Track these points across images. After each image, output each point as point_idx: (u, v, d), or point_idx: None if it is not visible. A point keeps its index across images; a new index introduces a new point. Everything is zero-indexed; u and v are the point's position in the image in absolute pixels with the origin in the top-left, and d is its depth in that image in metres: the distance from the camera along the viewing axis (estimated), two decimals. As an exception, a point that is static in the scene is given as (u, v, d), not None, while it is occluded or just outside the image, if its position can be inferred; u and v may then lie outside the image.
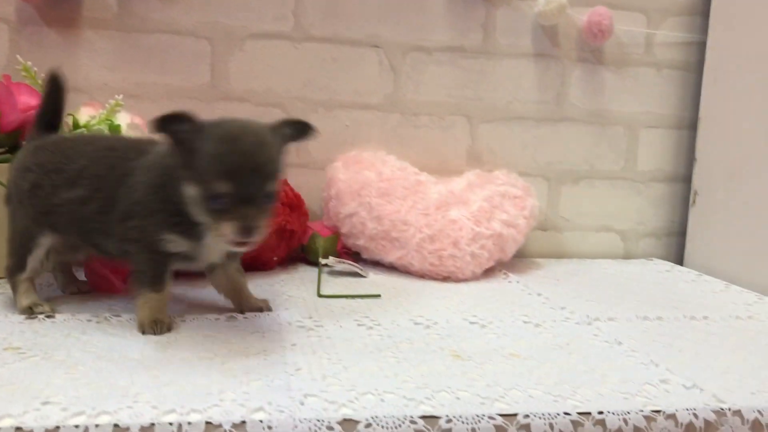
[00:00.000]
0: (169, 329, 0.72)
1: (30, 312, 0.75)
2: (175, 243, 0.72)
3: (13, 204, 0.79)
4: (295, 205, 1.03)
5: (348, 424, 0.54)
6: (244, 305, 0.80)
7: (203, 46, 1.10)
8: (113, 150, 0.76)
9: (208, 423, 0.52)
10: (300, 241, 1.05)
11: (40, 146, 0.78)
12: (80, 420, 0.51)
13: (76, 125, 0.97)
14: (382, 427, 0.54)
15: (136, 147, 0.75)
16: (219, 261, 0.78)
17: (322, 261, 1.01)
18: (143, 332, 0.71)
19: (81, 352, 0.65)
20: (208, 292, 0.84)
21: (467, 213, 1.02)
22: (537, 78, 1.21)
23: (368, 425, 0.54)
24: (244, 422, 0.52)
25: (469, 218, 1.02)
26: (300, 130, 0.73)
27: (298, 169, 1.15)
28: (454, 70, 1.18)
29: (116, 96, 0.97)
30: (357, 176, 1.07)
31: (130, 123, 0.98)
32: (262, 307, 0.81)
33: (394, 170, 1.08)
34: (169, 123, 0.67)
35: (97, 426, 0.50)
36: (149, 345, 0.68)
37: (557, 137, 1.22)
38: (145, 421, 0.51)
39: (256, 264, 0.98)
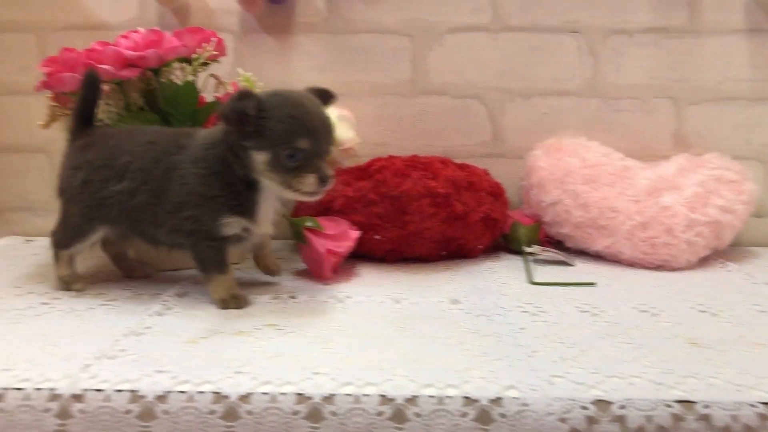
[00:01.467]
0: (247, 303, 0.79)
1: (65, 285, 0.84)
2: (231, 225, 0.78)
3: (65, 198, 0.85)
4: (497, 193, 1.04)
5: (601, 404, 0.54)
6: (261, 264, 0.88)
7: (404, 43, 1.14)
8: (154, 144, 0.81)
9: (465, 398, 0.55)
10: (502, 230, 1.06)
11: (86, 144, 0.84)
12: (350, 389, 0.55)
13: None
14: (637, 409, 0.54)
15: (175, 141, 0.81)
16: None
17: (527, 249, 1.02)
18: (225, 308, 0.77)
19: (329, 330, 0.70)
20: (432, 279, 0.88)
21: (681, 199, 0.98)
22: (750, 55, 1.13)
23: (622, 407, 0.54)
24: (500, 398, 0.55)
25: (683, 204, 0.97)
26: (323, 96, 0.81)
27: (495, 159, 1.16)
28: (657, 51, 1.13)
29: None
30: (559, 163, 1.06)
31: (340, 115, 1.04)
32: (274, 270, 0.88)
33: (598, 156, 1.06)
34: (239, 100, 0.73)
35: (366, 395, 0.55)
36: (386, 325, 0.72)
37: (773, 117, 1.14)
38: (408, 393, 0.55)
39: (461, 252, 1.01)
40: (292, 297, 0.82)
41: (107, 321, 0.72)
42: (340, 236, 0.91)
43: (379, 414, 0.54)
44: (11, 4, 1.13)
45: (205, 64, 0.96)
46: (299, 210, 1.03)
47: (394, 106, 1.15)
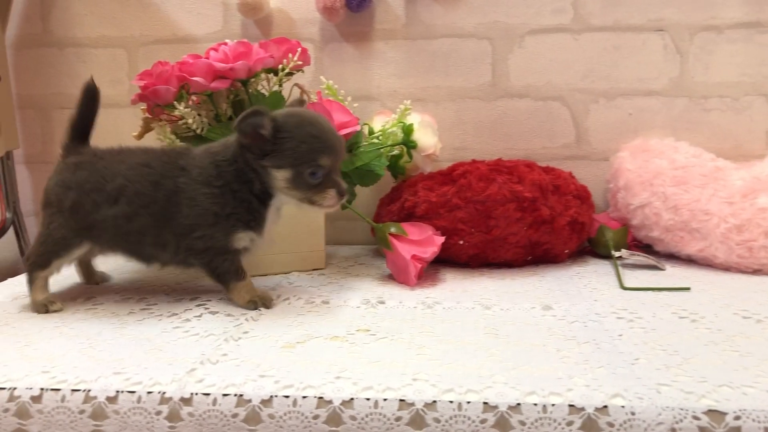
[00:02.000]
0: (271, 300, 0.82)
1: (44, 308, 0.80)
2: (243, 239, 0.80)
3: (51, 211, 0.82)
4: (583, 197, 1.02)
5: (715, 415, 0.52)
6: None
7: (484, 46, 1.13)
8: (149, 167, 0.80)
9: (571, 406, 0.54)
10: (588, 234, 1.04)
11: (77, 164, 0.82)
12: (452, 396, 0.55)
13: (371, 132, 1.06)
14: (754, 420, 0.52)
15: (173, 163, 0.81)
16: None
17: (615, 254, 0.99)
18: (255, 308, 0.80)
19: (421, 335, 0.70)
20: (519, 284, 0.87)
21: (779, 200, 0.94)
22: None
23: (737, 417, 0.52)
24: (605, 407, 0.53)
25: (782, 206, 0.93)
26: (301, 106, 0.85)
27: (578, 161, 1.14)
28: (749, 47, 1.09)
29: (405, 101, 1.04)
30: (647, 165, 1.03)
31: (421, 121, 1.04)
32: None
33: (688, 157, 1.03)
34: (253, 116, 0.75)
35: (468, 402, 0.54)
36: (479, 331, 0.71)
37: None
38: (511, 400, 0.54)
39: (547, 257, 0.99)
40: (381, 302, 0.82)
41: (205, 326, 0.74)
42: (425, 242, 0.91)
43: (483, 422, 0.54)
44: (102, 20, 1.18)
45: (290, 74, 0.98)
46: (381, 216, 1.04)
47: (474, 110, 1.15)
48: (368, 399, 0.55)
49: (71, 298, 0.86)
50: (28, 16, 1.19)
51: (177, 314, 0.78)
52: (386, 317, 0.76)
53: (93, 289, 0.91)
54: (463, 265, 0.99)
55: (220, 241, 0.80)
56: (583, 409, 0.53)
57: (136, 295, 0.87)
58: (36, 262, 0.82)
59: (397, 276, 0.92)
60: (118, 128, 1.10)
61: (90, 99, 0.85)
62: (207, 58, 0.92)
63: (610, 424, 0.53)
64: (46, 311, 0.80)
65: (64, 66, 1.20)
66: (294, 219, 0.96)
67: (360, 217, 0.98)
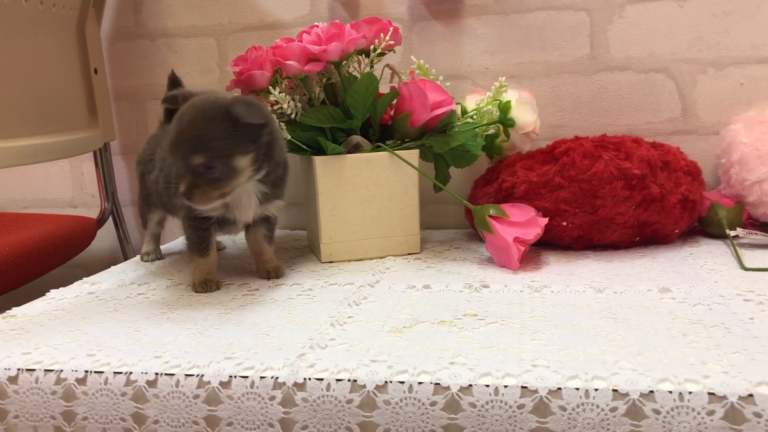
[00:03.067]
0: (218, 287, 0.83)
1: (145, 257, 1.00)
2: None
3: (139, 169, 0.98)
4: (694, 173, 0.96)
5: None
6: (260, 267, 0.89)
7: (581, 18, 1.08)
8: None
9: (711, 394, 0.49)
10: (699, 212, 0.98)
11: (146, 142, 0.98)
12: (577, 383, 0.52)
13: (464, 112, 1.02)
14: None
15: None
16: (253, 222, 0.86)
17: (731, 233, 0.93)
18: (195, 291, 0.82)
19: (532, 320, 0.67)
20: (629, 266, 0.82)
21: None
22: None
23: None
24: (750, 395, 0.49)
25: None
26: (248, 109, 0.74)
27: (684, 136, 1.07)
28: None
29: (499, 78, 1.00)
30: (765, 137, 0.96)
31: (519, 98, 1.00)
32: (270, 271, 0.87)
33: (810, 128, 0.95)
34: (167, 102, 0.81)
35: (596, 390, 0.51)
36: (594, 315, 0.67)
37: None
38: (642, 388, 0.50)
39: (656, 237, 0.94)
40: (484, 286, 0.79)
41: (309, 310, 0.73)
42: (527, 223, 0.87)
43: (613, 410, 0.50)
44: (192, 10, 1.19)
45: (381, 54, 0.96)
46: (476, 198, 1.01)
47: (572, 85, 1.10)
48: (488, 386, 0.52)
49: (174, 284, 0.87)
50: (121, 9, 1.21)
51: (278, 300, 0.77)
52: (492, 302, 0.73)
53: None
54: (565, 248, 0.95)
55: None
56: (724, 397, 0.49)
57: (237, 280, 0.87)
58: (142, 222, 1.04)
59: (497, 259, 0.89)
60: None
61: (172, 87, 0.95)
62: (300, 41, 0.91)
63: (758, 415, 0.48)
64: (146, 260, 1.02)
65: (156, 57, 1.22)
66: (389, 203, 0.94)
67: (452, 201, 0.96)
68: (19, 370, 0.60)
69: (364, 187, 0.93)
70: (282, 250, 1.05)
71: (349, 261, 0.94)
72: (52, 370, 0.60)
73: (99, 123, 1.17)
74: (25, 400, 0.59)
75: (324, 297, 0.78)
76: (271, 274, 0.87)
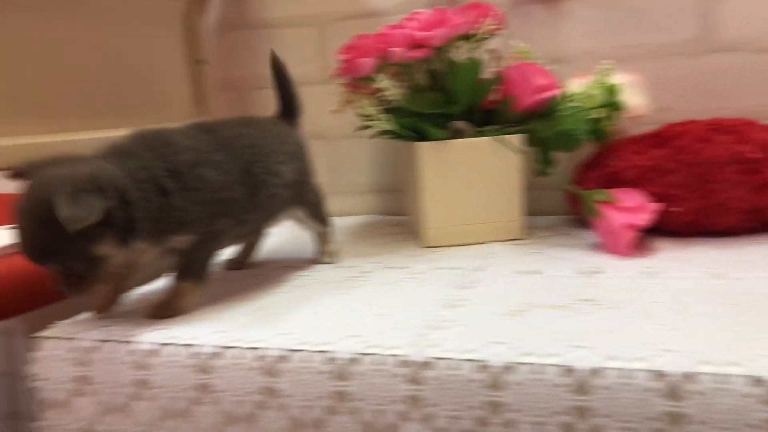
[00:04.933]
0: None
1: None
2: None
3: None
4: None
5: None
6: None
7: (689, -3, 1.05)
8: None
9: (750, 377, 0.48)
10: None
11: None
12: (710, 368, 0.51)
13: (567, 96, 1.01)
14: None
15: None
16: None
17: None
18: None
19: (652, 305, 0.66)
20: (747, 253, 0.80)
21: None
22: None
23: None
24: None
25: None
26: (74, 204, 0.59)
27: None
28: None
29: (602, 62, 0.98)
30: None
31: (628, 80, 0.98)
32: None
33: None
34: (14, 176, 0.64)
35: (729, 375, 0.50)
36: (715, 301, 0.66)
37: None
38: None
39: None
40: (597, 272, 0.78)
41: (419, 293, 0.74)
42: (638, 208, 0.85)
43: (746, 396, 0.49)
44: (295, 1, 1.22)
45: (483, 39, 0.96)
46: (580, 183, 1.00)
47: (678, 67, 1.07)
48: (617, 369, 0.53)
49: (300, 267, 0.90)
50: (227, 0, 1.25)
51: (390, 282, 0.79)
52: (607, 287, 0.73)
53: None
54: (674, 234, 0.93)
55: None
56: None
57: (347, 263, 0.90)
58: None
59: (606, 245, 0.88)
60: (310, 106, 1.14)
61: (275, 71, 0.91)
62: (404, 28, 0.92)
63: None
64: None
65: (259, 47, 1.25)
66: (491, 188, 0.94)
67: (551, 186, 0.95)
68: (160, 344, 0.64)
69: (467, 172, 0.94)
70: (380, 235, 1.07)
71: (452, 246, 0.95)
72: (189, 345, 0.63)
73: (204, 113, 1.22)
74: (166, 373, 0.63)
75: (432, 280, 0.79)
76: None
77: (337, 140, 1.24)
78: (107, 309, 0.74)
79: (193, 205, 0.69)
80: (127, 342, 0.65)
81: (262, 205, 0.78)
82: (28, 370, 0.68)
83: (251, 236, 0.90)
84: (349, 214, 1.25)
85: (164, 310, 0.71)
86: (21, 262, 0.66)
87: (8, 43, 0.79)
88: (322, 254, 0.91)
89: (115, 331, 0.67)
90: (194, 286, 0.72)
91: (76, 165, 0.62)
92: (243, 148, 0.76)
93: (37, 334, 0.68)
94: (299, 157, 0.87)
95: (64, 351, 0.66)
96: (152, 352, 0.64)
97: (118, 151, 0.67)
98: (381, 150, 1.24)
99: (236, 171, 0.74)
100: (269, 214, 0.82)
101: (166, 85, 1.11)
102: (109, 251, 0.64)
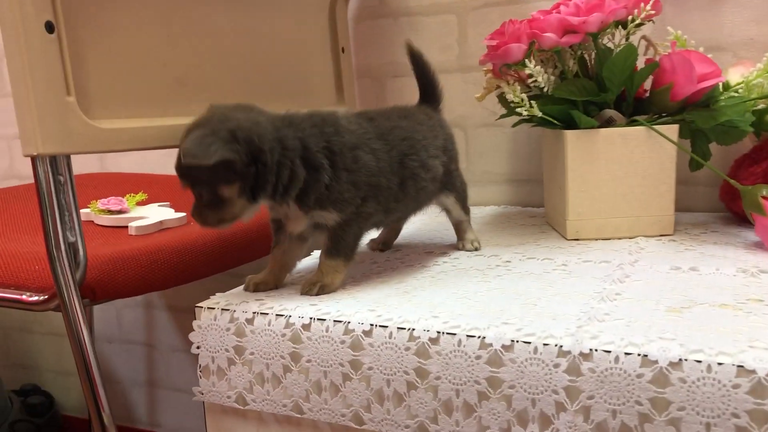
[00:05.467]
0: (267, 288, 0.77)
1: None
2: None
3: None
4: None
5: None
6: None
7: None
8: None
9: None
10: None
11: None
12: None
13: (726, 86, 0.95)
14: None
15: None
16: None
17: None
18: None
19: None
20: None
21: None
22: None
23: None
24: None
25: None
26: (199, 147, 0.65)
27: None
28: None
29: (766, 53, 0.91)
30: None
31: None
32: None
33: None
34: None
35: None
36: None
37: None
38: None
39: None
40: (763, 272, 0.73)
41: (570, 285, 0.72)
42: (810, 206, 0.79)
43: None
44: (434, -11, 1.22)
45: (639, 25, 0.92)
46: (740, 178, 0.93)
47: None
48: (802, 373, 0.49)
49: (441, 253, 0.90)
50: (369, -10, 1.27)
51: (535, 273, 0.77)
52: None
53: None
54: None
55: None
56: None
57: (487, 252, 0.88)
58: None
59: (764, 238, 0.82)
60: (448, 94, 1.13)
61: (413, 60, 0.91)
62: (557, 12, 0.89)
63: None
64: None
65: (397, 35, 1.26)
66: (642, 180, 0.90)
67: (703, 182, 0.89)
68: (311, 318, 0.66)
69: (617, 163, 0.90)
70: (517, 225, 1.05)
71: (597, 239, 0.92)
72: (340, 321, 0.65)
73: (345, 100, 1.24)
74: (317, 347, 0.65)
75: (581, 273, 0.76)
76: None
77: (473, 129, 1.23)
78: (271, 286, 0.77)
79: (345, 185, 0.71)
80: (281, 315, 0.67)
81: (410, 196, 0.80)
82: (190, 338, 0.72)
83: (396, 223, 0.91)
84: (484, 204, 1.24)
85: (314, 287, 0.73)
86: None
87: (177, 30, 0.83)
88: (464, 241, 0.90)
89: (270, 305, 0.70)
90: (341, 265, 0.74)
91: (239, 114, 0.68)
92: (400, 140, 0.78)
93: (199, 305, 0.72)
94: (449, 149, 0.88)
95: (225, 321, 0.70)
96: (305, 327, 0.66)
97: (288, 120, 0.71)
98: (515, 140, 1.22)
99: (391, 161, 0.76)
100: (416, 205, 0.84)
101: (313, 72, 1.14)
102: (233, 196, 0.68)
